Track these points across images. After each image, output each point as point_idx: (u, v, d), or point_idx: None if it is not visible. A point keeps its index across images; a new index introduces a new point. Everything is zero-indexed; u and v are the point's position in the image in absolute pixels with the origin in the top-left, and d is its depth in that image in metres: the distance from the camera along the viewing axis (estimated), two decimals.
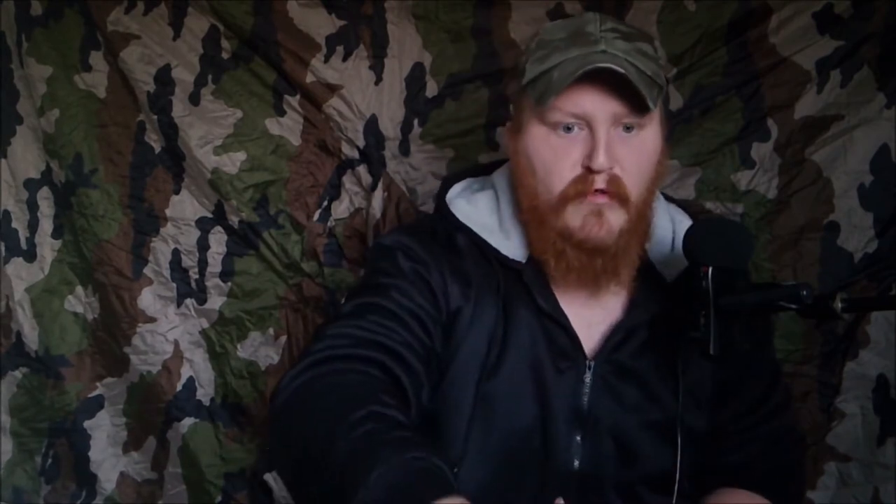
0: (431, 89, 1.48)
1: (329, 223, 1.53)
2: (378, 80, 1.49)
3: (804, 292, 0.85)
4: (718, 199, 1.42)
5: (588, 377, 0.98)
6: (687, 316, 0.90)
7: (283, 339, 1.56)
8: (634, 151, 0.93)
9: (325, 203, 1.53)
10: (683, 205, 1.21)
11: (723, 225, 1.01)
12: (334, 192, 1.53)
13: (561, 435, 0.97)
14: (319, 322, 1.54)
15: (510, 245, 1.00)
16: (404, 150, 1.49)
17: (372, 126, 1.49)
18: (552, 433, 0.97)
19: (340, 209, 1.53)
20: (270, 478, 1.59)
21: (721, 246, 0.90)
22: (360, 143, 1.50)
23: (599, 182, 0.91)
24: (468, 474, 0.96)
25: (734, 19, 1.39)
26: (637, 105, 0.89)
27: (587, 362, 0.98)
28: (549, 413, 0.97)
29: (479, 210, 1.03)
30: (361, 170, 1.51)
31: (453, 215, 1.03)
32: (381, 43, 1.48)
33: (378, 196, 1.49)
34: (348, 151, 1.52)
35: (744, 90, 1.40)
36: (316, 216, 1.53)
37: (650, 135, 0.94)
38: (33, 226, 1.66)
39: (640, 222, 0.95)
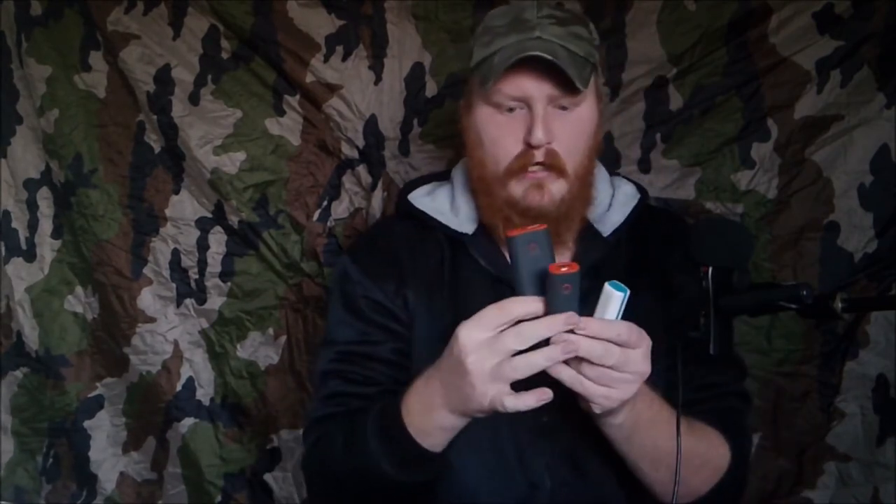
0: (431, 89, 1.48)
1: (329, 223, 1.53)
2: (378, 80, 1.49)
3: (804, 292, 0.85)
4: (718, 199, 1.42)
5: None
6: (686, 315, 0.90)
7: (283, 339, 1.56)
8: (570, 126, 1.01)
9: (325, 203, 1.53)
10: (683, 205, 1.22)
11: (723, 225, 1.02)
12: (334, 192, 1.53)
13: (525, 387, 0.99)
14: (319, 322, 1.55)
15: (458, 220, 1.10)
16: (404, 150, 1.49)
17: (372, 126, 1.49)
18: (517, 387, 0.97)
19: (340, 209, 1.53)
20: (270, 478, 1.59)
21: (721, 246, 0.90)
22: (360, 143, 1.50)
23: (538, 156, 1.00)
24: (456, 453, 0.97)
25: (734, 19, 1.39)
26: (569, 86, 0.97)
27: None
28: None
29: (436, 199, 1.13)
30: (361, 170, 1.51)
31: (410, 204, 1.13)
32: (380, 43, 1.48)
33: (378, 196, 1.49)
34: (348, 151, 1.52)
35: (744, 90, 1.40)
36: (316, 216, 1.53)
37: (585, 111, 1.02)
38: (33, 226, 1.66)
39: (582, 190, 1.04)
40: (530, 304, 0.80)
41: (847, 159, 1.37)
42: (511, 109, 1.00)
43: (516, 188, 1.01)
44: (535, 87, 0.98)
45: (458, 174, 1.15)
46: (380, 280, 1.08)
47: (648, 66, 1.41)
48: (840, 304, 0.84)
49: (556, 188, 1.01)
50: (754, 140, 1.41)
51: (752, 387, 1.34)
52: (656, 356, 0.91)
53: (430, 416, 0.89)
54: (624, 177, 1.18)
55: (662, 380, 0.96)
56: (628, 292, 0.80)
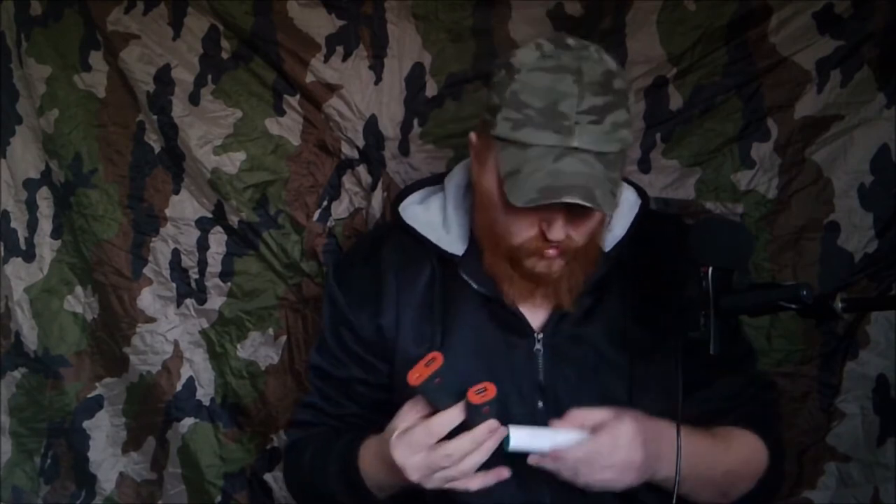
0: (431, 89, 1.48)
1: (329, 223, 1.53)
2: (378, 80, 1.49)
3: (804, 292, 0.85)
4: (718, 199, 1.42)
5: (539, 350, 1.05)
6: (686, 315, 0.91)
7: (283, 339, 1.56)
8: (590, 225, 1.00)
9: (325, 203, 1.53)
10: (683, 204, 1.23)
11: (723, 225, 1.02)
12: (334, 192, 1.53)
13: (524, 408, 1.05)
14: (319, 322, 1.54)
15: (449, 239, 1.09)
16: (404, 150, 1.49)
17: (372, 126, 1.49)
18: (514, 407, 1.04)
19: (340, 209, 1.53)
20: (270, 478, 1.59)
21: (721, 246, 0.90)
22: (360, 143, 1.50)
23: (551, 250, 0.99)
24: None
25: (734, 19, 1.38)
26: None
27: (536, 335, 1.06)
28: (508, 389, 1.03)
29: (429, 210, 1.12)
30: (361, 170, 1.51)
31: (401, 218, 1.12)
32: (380, 43, 1.48)
33: (378, 196, 1.49)
34: (348, 151, 1.51)
35: (744, 90, 1.40)
36: (316, 216, 1.53)
37: None
38: (32, 226, 1.65)
39: (588, 252, 1.03)
40: (454, 417, 0.91)
41: (847, 159, 1.37)
42: None
43: (527, 260, 1.01)
44: (558, 206, 0.94)
45: (451, 185, 1.13)
46: (357, 308, 1.12)
47: (648, 66, 1.41)
48: (840, 304, 0.84)
49: (564, 261, 1.01)
50: (754, 140, 1.41)
51: None
52: (666, 368, 0.96)
53: (382, 477, 1.01)
54: (624, 180, 1.15)
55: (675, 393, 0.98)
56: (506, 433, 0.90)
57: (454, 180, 1.13)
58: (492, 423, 0.88)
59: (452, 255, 1.08)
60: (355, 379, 1.14)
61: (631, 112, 0.99)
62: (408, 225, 1.11)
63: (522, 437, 0.92)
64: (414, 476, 0.93)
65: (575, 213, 0.97)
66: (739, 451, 1.07)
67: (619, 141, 0.95)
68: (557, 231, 0.96)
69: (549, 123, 0.92)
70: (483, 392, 0.85)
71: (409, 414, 0.96)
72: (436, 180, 1.18)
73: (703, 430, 1.04)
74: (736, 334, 1.16)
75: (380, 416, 1.05)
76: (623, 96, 0.97)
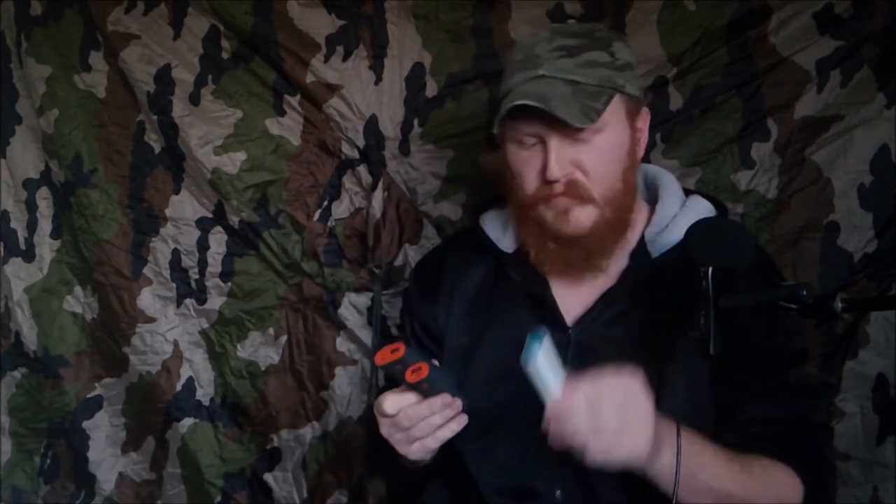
0: (431, 89, 1.48)
1: (329, 223, 1.53)
2: (378, 80, 1.49)
3: (804, 292, 0.85)
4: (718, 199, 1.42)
5: (569, 345, 1.06)
6: (686, 314, 0.90)
7: (283, 338, 1.56)
8: (593, 154, 1.01)
9: (325, 203, 1.53)
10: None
11: (723, 225, 1.02)
12: (334, 192, 1.53)
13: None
14: (319, 322, 1.55)
15: (504, 239, 1.14)
16: (404, 150, 1.49)
17: (372, 126, 1.49)
18: (536, 399, 1.00)
19: (340, 209, 1.53)
20: (270, 478, 1.59)
21: (721, 246, 0.90)
22: (360, 143, 1.50)
23: (558, 188, 1.01)
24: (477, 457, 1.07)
25: (734, 19, 1.38)
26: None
27: (568, 330, 1.07)
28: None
29: (499, 216, 1.17)
30: (361, 170, 1.51)
31: (478, 225, 1.18)
32: (380, 43, 1.48)
33: (378, 196, 1.49)
34: (348, 151, 1.52)
35: (744, 90, 1.40)
36: (316, 216, 1.53)
37: (606, 138, 1.02)
38: (32, 226, 1.66)
39: (617, 214, 1.04)
40: (399, 396, 0.96)
41: (847, 159, 1.37)
42: (532, 143, 1.02)
43: (546, 213, 1.03)
44: (543, 126, 0.99)
45: None
46: (420, 299, 1.19)
47: (648, 66, 1.41)
48: (840, 304, 0.84)
49: (584, 215, 1.02)
50: (754, 140, 1.41)
51: None
52: (697, 384, 0.95)
53: None
54: (704, 195, 1.15)
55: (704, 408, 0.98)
56: (546, 334, 0.89)
57: None
58: (445, 396, 0.96)
59: (503, 253, 1.13)
60: None
61: (619, 57, 1.02)
62: (477, 225, 1.17)
63: (547, 357, 0.89)
64: (384, 432, 0.98)
65: (568, 146, 0.99)
66: (762, 478, 0.98)
67: (596, 76, 0.99)
68: (552, 168, 0.99)
69: (523, 65, 1.01)
70: (418, 371, 0.95)
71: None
72: None
73: (715, 444, 0.98)
74: (790, 367, 1.07)
75: None
76: (604, 42, 1.02)
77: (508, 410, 1.05)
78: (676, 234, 1.05)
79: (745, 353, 0.99)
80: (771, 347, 1.04)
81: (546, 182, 1.01)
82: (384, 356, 0.96)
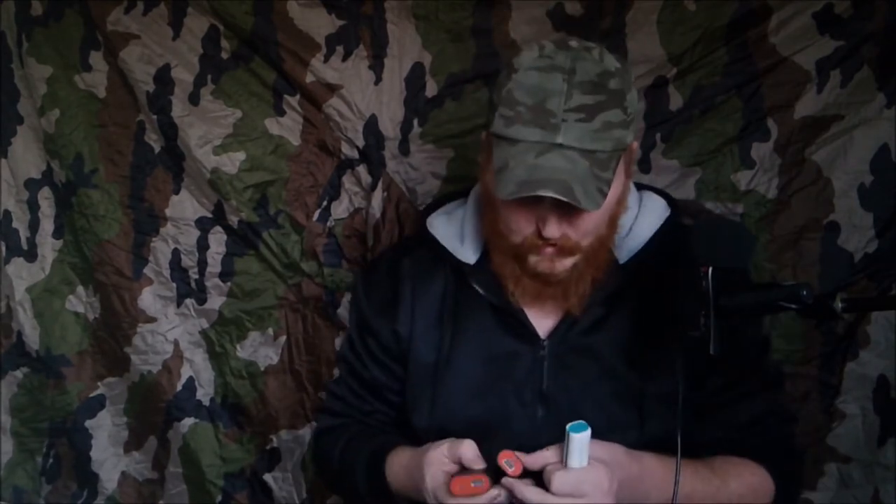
0: (431, 89, 1.48)
1: (329, 223, 1.53)
2: (378, 80, 1.49)
3: (804, 292, 0.85)
4: (718, 199, 1.42)
5: (544, 357, 1.06)
6: (685, 314, 0.91)
7: (283, 338, 1.56)
8: (591, 217, 0.99)
9: (325, 203, 1.53)
10: (682, 204, 1.21)
11: (723, 225, 1.02)
12: (334, 192, 1.53)
13: (524, 415, 1.06)
14: (319, 322, 1.55)
15: (463, 249, 1.11)
16: (404, 150, 1.49)
17: (372, 126, 1.49)
18: (514, 414, 1.06)
19: (340, 209, 1.53)
20: (270, 478, 1.59)
21: (721, 246, 0.90)
22: (360, 143, 1.50)
23: (551, 242, 0.99)
24: None
25: (734, 19, 1.38)
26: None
27: (542, 343, 1.07)
28: (511, 396, 1.07)
29: (451, 222, 1.14)
30: (361, 170, 1.51)
31: (424, 230, 1.15)
32: (380, 43, 1.48)
33: (378, 196, 1.49)
34: (348, 151, 1.52)
35: (744, 90, 1.40)
36: (315, 216, 1.53)
37: (607, 198, 0.97)
38: (34, 226, 1.66)
39: (596, 254, 1.03)
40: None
41: (847, 159, 1.37)
42: (531, 202, 0.98)
43: (531, 258, 1.02)
44: (547, 200, 0.95)
45: (473, 195, 1.15)
46: (377, 315, 1.16)
47: (648, 66, 1.40)
48: (840, 304, 0.84)
49: (568, 261, 1.01)
50: (754, 140, 1.40)
51: None
52: (675, 387, 0.95)
53: (403, 486, 1.07)
54: (655, 190, 1.15)
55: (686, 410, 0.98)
56: (589, 430, 0.92)
57: (476, 190, 1.15)
58: (493, 492, 0.95)
59: (464, 264, 1.10)
60: (378, 381, 1.19)
61: (630, 112, 0.98)
62: (429, 236, 1.14)
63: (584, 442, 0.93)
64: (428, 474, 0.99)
65: (567, 212, 0.96)
66: (739, 486, 1.04)
67: (611, 140, 0.94)
68: (551, 228, 0.97)
69: (536, 120, 0.93)
70: (480, 484, 0.94)
71: (444, 457, 1.00)
72: (466, 192, 1.19)
73: (700, 462, 1.04)
74: (762, 358, 1.14)
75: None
76: (619, 96, 0.96)
77: (484, 428, 1.05)
78: (642, 236, 1.07)
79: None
80: (737, 342, 1.03)
81: (540, 236, 0.99)
82: (464, 486, 0.93)
